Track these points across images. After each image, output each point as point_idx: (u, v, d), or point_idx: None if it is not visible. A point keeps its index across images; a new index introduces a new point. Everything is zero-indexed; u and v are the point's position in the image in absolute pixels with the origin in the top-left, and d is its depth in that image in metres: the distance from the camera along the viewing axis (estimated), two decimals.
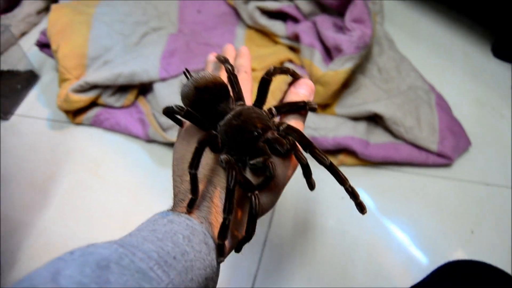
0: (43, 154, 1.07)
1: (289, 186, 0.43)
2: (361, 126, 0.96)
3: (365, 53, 0.95)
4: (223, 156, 0.39)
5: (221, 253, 0.37)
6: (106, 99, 1.06)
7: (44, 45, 1.25)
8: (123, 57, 1.10)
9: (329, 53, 1.00)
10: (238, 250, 0.40)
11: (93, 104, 1.09)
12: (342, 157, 0.95)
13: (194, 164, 0.37)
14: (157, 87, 1.04)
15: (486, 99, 1.09)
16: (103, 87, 1.06)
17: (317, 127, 0.95)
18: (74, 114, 1.10)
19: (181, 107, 0.41)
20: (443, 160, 0.94)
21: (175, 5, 1.25)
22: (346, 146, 0.92)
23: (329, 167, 0.38)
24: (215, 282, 0.38)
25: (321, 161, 0.38)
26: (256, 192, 0.36)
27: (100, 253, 0.31)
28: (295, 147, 0.38)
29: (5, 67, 1.29)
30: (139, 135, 1.04)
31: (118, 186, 0.98)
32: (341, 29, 1.00)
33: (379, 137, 0.96)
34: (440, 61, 1.18)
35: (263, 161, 0.38)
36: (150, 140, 1.04)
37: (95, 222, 0.92)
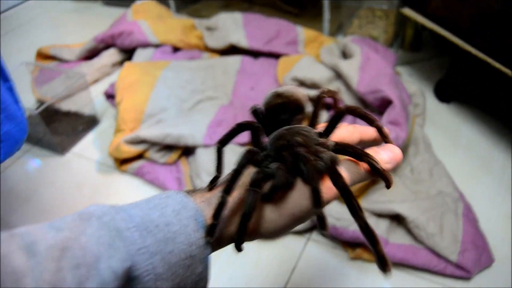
0: (86, 192, 1.16)
1: None
2: (383, 224, 0.98)
3: None
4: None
5: (210, 232, 0.35)
6: (152, 154, 1.16)
7: (110, 96, 1.39)
8: (176, 119, 1.20)
9: None
10: (237, 248, 0.36)
11: (139, 156, 1.19)
12: (359, 251, 0.96)
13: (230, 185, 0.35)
14: (200, 151, 1.12)
15: None
16: (151, 143, 1.16)
17: (339, 217, 0.98)
18: (121, 162, 1.20)
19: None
20: (461, 272, 0.93)
21: (232, 79, 1.37)
22: (365, 242, 0.94)
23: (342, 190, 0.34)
24: (206, 267, 0.36)
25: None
26: (257, 189, 0.34)
27: (89, 207, 0.32)
28: (309, 177, 0.35)
29: (73, 108, 1.44)
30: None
31: None
32: None
33: (399, 237, 0.97)
34: (476, 170, 1.18)
35: (277, 168, 0.36)
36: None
37: None
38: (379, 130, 0.42)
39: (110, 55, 1.69)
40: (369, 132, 0.42)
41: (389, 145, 0.40)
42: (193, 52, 1.59)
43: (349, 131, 0.42)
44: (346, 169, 0.37)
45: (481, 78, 1.23)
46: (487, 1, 1.07)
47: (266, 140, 0.42)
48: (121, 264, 0.29)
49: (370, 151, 0.38)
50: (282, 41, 1.50)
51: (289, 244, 1.01)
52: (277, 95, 0.43)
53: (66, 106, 1.44)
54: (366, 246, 0.96)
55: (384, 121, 1.02)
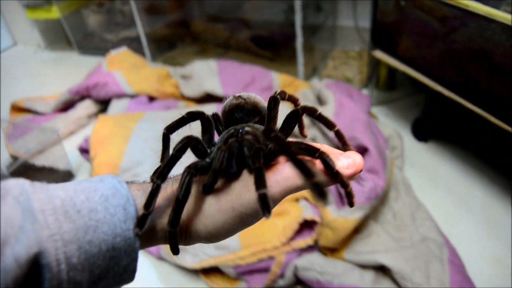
0: None
1: None
2: (369, 276, 0.95)
3: (376, 203, 0.98)
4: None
5: (140, 224, 0.32)
6: None
7: (84, 150, 1.36)
8: (151, 173, 1.17)
9: (342, 197, 1.03)
10: (172, 249, 0.34)
11: None
12: None
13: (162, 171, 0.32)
14: None
15: (504, 258, 1.05)
16: None
17: (323, 271, 0.94)
18: None
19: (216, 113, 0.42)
20: None
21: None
22: None
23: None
24: (133, 260, 0.33)
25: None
26: (193, 171, 0.32)
27: (8, 183, 0.29)
28: (254, 156, 0.32)
29: (47, 163, 1.41)
30: (152, 252, 1.07)
31: None
32: None
33: None
34: (458, 211, 1.17)
35: (216, 149, 0.33)
36: (161, 258, 1.06)
37: None
38: (338, 135, 0.40)
39: (86, 107, 1.67)
40: (335, 152, 0.37)
41: (349, 152, 0.36)
42: (168, 101, 1.58)
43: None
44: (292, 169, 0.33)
45: (457, 115, 1.24)
46: (454, 40, 1.08)
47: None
48: (26, 250, 0.26)
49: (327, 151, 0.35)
50: (257, 87, 1.50)
51: None
52: (236, 97, 0.41)
53: (40, 161, 1.40)
54: None
55: None
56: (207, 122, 0.40)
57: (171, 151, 0.34)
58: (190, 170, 0.32)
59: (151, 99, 1.62)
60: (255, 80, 1.52)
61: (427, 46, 1.20)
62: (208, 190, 0.34)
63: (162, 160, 0.39)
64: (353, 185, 0.99)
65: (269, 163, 0.35)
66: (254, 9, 1.90)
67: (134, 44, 2.05)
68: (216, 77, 1.54)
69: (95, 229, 0.30)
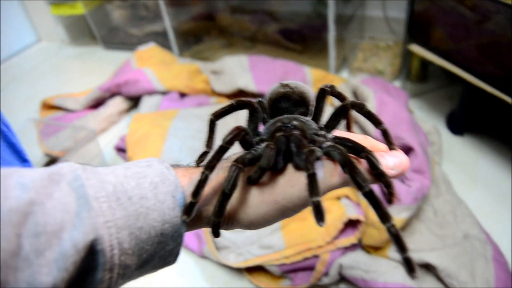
0: None
1: None
2: None
3: (422, 203, 0.97)
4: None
5: (188, 211, 0.33)
6: None
7: (120, 149, 1.38)
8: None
9: None
10: (213, 232, 0.34)
11: None
12: None
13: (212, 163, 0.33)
14: None
15: None
16: None
17: (368, 269, 0.95)
18: None
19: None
20: None
21: (243, 125, 1.36)
22: None
23: (367, 194, 0.31)
24: (178, 244, 0.34)
25: (358, 184, 0.31)
26: (241, 166, 0.32)
27: (61, 167, 0.30)
28: (308, 155, 0.32)
29: (82, 161, 1.42)
30: (194, 250, 1.08)
31: None
32: None
33: (431, 286, 0.95)
34: (499, 207, 1.16)
35: (265, 146, 0.33)
36: (203, 257, 1.08)
37: None
38: (385, 133, 0.39)
39: (116, 104, 1.68)
40: (380, 146, 0.38)
41: (395, 152, 0.37)
42: (200, 97, 1.58)
43: (358, 139, 0.38)
44: (328, 167, 0.34)
45: (495, 108, 1.22)
46: (490, 31, 1.06)
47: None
48: (84, 237, 0.27)
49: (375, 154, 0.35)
50: None
51: None
52: (283, 85, 0.41)
53: (75, 159, 1.42)
54: None
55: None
56: (255, 112, 0.40)
57: (218, 140, 0.35)
58: (238, 165, 0.32)
59: (182, 95, 1.63)
60: (288, 76, 1.51)
61: (464, 38, 1.18)
62: (254, 183, 0.35)
63: (207, 145, 0.39)
64: (400, 186, 0.99)
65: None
66: (280, 1, 1.88)
67: (160, 39, 2.05)
68: (248, 73, 1.54)
69: (146, 216, 0.31)
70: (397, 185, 0.99)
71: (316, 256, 0.98)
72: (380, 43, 1.74)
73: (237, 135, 0.34)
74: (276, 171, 0.35)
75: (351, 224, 1.00)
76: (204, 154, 0.39)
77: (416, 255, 0.96)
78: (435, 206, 1.09)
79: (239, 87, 1.51)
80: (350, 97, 1.33)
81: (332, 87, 0.42)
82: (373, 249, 1.00)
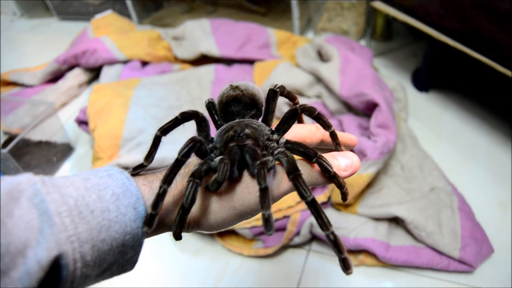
0: None
1: None
2: (383, 227, 0.97)
3: (388, 157, 0.98)
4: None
5: (149, 223, 0.33)
6: None
7: (82, 122, 1.33)
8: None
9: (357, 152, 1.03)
10: (175, 237, 0.35)
11: None
12: (362, 258, 0.95)
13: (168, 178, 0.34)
14: None
15: (509, 203, 1.08)
16: None
17: (338, 226, 0.96)
18: None
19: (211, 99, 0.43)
20: (464, 267, 0.93)
21: (207, 91, 1.33)
22: (367, 248, 0.93)
23: (310, 203, 0.33)
24: (137, 252, 0.35)
25: (301, 194, 0.32)
26: (197, 181, 0.33)
27: (18, 182, 0.29)
28: (260, 169, 0.33)
29: (43, 137, 1.37)
30: None
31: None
32: (366, 129, 1.03)
33: (400, 239, 0.96)
34: (463, 159, 1.19)
35: (219, 160, 0.34)
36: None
37: None
38: (333, 136, 0.40)
39: (75, 76, 1.61)
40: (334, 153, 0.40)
41: (348, 152, 0.38)
42: (163, 65, 1.53)
43: (310, 131, 0.41)
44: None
45: (458, 64, 1.23)
46: None
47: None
48: (48, 253, 0.27)
49: (327, 155, 0.37)
50: (254, 46, 1.47)
51: (291, 258, 1.00)
52: (233, 87, 0.42)
53: (36, 136, 1.36)
54: (368, 252, 0.95)
55: (372, 125, 1.01)
56: (202, 122, 0.40)
57: (175, 155, 0.35)
58: (195, 180, 0.33)
59: (144, 63, 1.57)
60: (252, 38, 1.48)
61: None
62: (212, 191, 0.36)
63: (146, 159, 0.38)
64: (366, 142, 0.99)
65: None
66: None
67: (118, 6, 1.97)
68: (210, 37, 1.49)
69: (108, 228, 0.31)
70: (363, 141, 0.99)
71: (286, 217, 0.98)
72: (344, 3, 1.72)
73: (193, 147, 0.35)
74: (233, 180, 0.36)
75: None
76: (140, 167, 0.38)
77: (384, 210, 0.97)
78: (402, 161, 1.10)
79: (202, 52, 1.46)
80: (315, 57, 1.32)
81: (281, 87, 0.43)
82: (343, 206, 1.01)
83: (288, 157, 0.34)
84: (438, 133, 1.27)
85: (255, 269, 0.98)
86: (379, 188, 1.03)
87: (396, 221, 1.00)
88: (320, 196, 0.99)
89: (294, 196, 0.97)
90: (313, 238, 1.01)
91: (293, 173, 0.33)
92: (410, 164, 1.10)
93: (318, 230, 0.97)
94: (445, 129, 1.28)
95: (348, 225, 0.97)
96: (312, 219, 0.97)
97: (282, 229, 0.98)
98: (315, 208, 0.33)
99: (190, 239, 1.05)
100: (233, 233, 1.02)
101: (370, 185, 1.02)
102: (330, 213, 0.99)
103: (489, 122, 1.28)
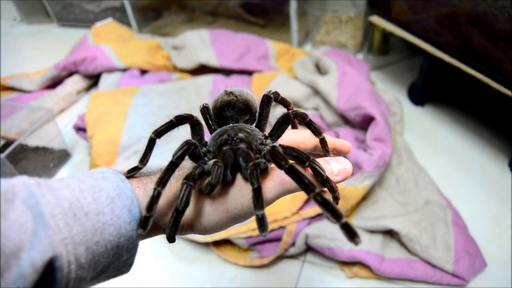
0: None
1: None
2: (377, 240, 0.97)
3: (384, 170, 0.99)
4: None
5: (143, 225, 0.33)
6: None
7: (80, 129, 1.33)
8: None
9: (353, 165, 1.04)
10: (169, 240, 0.35)
11: None
12: (356, 269, 0.96)
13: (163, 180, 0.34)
14: None
15: (502, 217, 1.09)
16: None
17: (333, 237, 0.97)
18: None
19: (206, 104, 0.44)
20: (458, 280, 0.94)
21: (206, 100, 1.34)
22: (361, 260, 0.93)
23: (288, 170, 0.32)
24: (132, 255, 0.35)
25: (278, 164, 0.33)
26: (191, 183, 0.33)
27: (13, 184, 0.29)
28: (253, 170, 0.33)
29: (40, 143, 1.37)
30: None
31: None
32: (362, 142, 1.04)
33: (394, 252, 0.97)
34: (458, 173, 1.20)
35: (213, 163, 0.34)
36: None
37: None
38: (322, 143, 0.41)
39: (74, 83, 1.62)
40: (327, 140, 0.41)
41: (340, 158, 0.38)
42: (162, 74, 1.54)
43: (304, 136, 0.42)
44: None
45: (454, 79, 1.25)
46: (451, 1, 1.08)
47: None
48: (42, 256, 0.27)
49: (320, 160, 0.37)
50: (252, 57, 1.48)
51: (286, 269, 1.00)
52: (227, 93, 0.43)
53: (33, 141, 1.37)
54: (363, 264, 0.96)
55: (368, 138, 1.02)
56: (196, 125, 0.41)
57: (170, 157, 0.35)
58: (189, 183, 0.33)
59: (143, 72, 1.58)
60: (250, 49, 1.49)
61: (423, 9, 1.19)
62: (206, 194, 0.36)
63: (140, 162, 0.38)
64: (362, 155, 1.00)
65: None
66: None
67: (118, 14, 1.98)
68: (210, 47, 1.51)
69: (102, 230, 0.31)
70: (359, 154, 1.01)
71: (282, 227, 0.98)
72: (342, 16, 1.74)
73: (187, 149, 0.35)
74: (226, 183, 0.37)
75: None
76: (135, 169, 0.38)
77: (379, 222, 0.98)
78: (397, 175, 1.11)
79: (201, 62, 1.48)
80: (312, 70, 1.33)
81: (276, 93, 0.44)
82: None
83: (292, 154, 0.35)
84: (433, 147, 1.28)
85: (250, 279, 0.98)
86: (374, 201, 1.03)
87: (390, 233, 1.01)
88: (315, 208, 0.99)
89: (289, 207, 0.98)
90: (308, 249, 1.02)
91: (272, 149, 0.33)
92: (405, 177, 1.11)
93: (313, 241, 0.97)
94: (440, 143, 1.30)
95: (343, 237, 0.97)
96: (307, 230, 0.97)
97: (278, 239, 0.99)
98: (294, 174, 0.32)
99: (185, 248, 1.05)
100: (229, 242, 1.02)
101: (365, 197, 1.03)
102: (326, 225, 1.00)
103: (483, 137, 1.29)
